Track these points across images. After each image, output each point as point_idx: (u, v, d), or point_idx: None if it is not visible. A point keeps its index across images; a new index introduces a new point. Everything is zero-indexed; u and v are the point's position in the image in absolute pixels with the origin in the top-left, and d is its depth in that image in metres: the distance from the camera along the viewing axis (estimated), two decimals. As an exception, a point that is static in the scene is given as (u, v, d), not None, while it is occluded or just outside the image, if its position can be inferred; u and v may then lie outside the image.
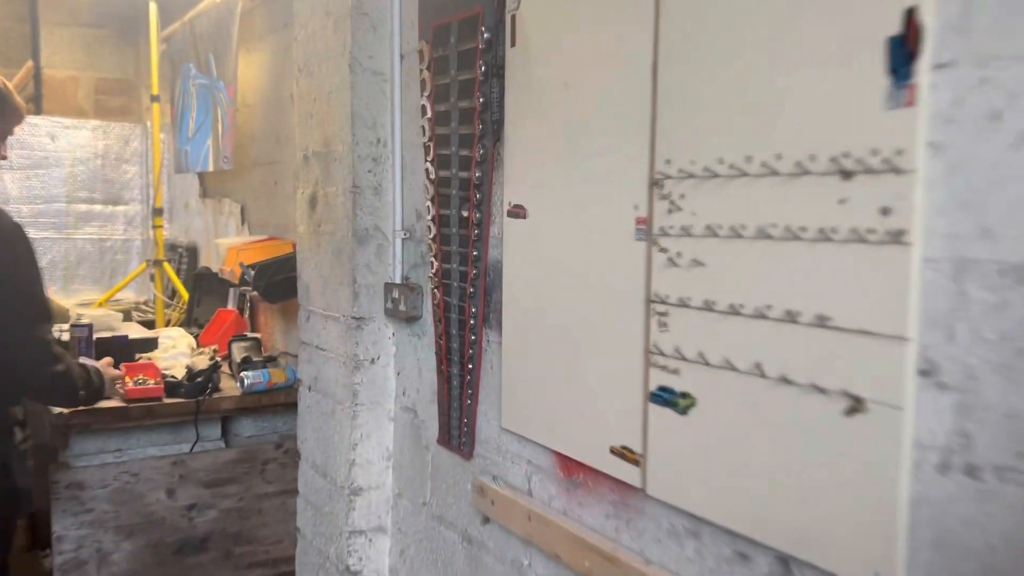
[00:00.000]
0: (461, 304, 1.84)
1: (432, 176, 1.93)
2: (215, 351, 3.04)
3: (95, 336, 2.62)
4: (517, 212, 1.60)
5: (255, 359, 2.60)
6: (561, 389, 1.48)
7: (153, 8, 3.64)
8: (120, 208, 4.56)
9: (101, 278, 4.56)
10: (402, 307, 2.07)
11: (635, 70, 1.28)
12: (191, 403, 2.40)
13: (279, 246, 2.82)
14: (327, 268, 2.32)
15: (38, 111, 4.38)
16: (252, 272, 2.55)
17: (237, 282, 2.71)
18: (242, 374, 2.48)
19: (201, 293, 3.50)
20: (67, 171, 4.38)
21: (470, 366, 1.83)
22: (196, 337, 3.14)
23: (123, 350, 2.80)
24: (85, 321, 2.48)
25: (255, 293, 2.53)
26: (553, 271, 1.49)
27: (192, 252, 4.10)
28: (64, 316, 3.06)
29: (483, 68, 1.68)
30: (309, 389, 2.48)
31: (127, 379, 2.40)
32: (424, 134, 1.97)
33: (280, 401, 2.55)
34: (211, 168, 3.37)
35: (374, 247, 2.16)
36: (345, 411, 2.22)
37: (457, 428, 1.90)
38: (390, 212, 2.15)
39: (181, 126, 3.78)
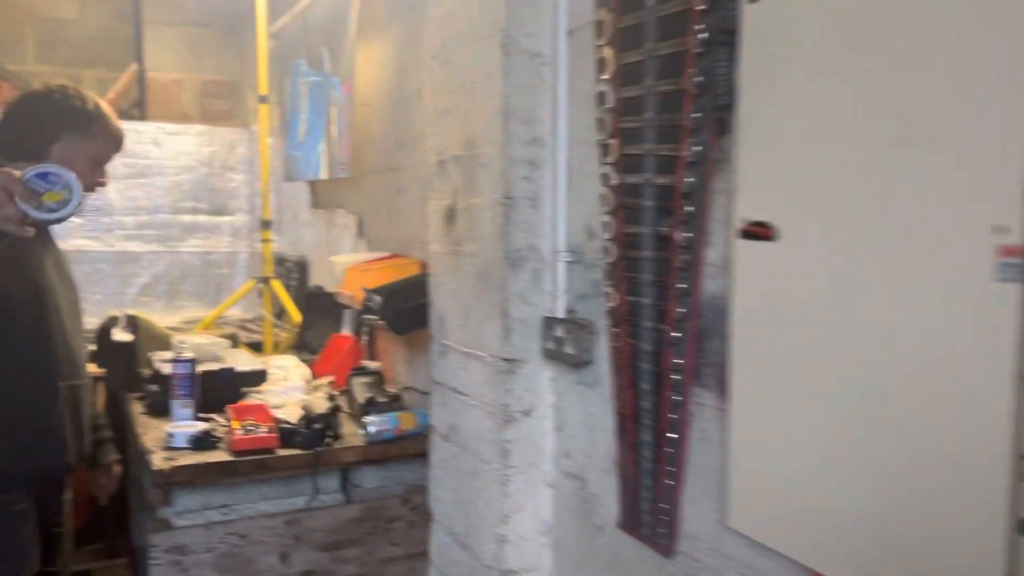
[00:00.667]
0: (657, 351, 1.43)
1: (613, 182, 1.53)
2: (331, 384, 2.71)
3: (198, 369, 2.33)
4: (759, 232, 1.16)
5: (379, 399, 2.25)
6: (835, 491, 1.04)
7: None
8: (225, 219, 4.35)
9: (205, 293, 4.35)
10: (567, 348, 1.67)
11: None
12: (308, 455, 2.06)
13: (403, 266, 2.47)
14: (469, 296, 1.94)
15: (142, 116, 4.22)
16: (378, 299, 2.21)
17: (359, 308, 2.37)
18: (367, 419, 2.13)
19: (313, 315, 3.20)
20: (171, 180, 4.20)
21: (671, 434, 1.41)
22: (309, 365, 2.82)
23: (230, 385, 2.50)
24: (187, 354, 2.19)
25: (381, 323, 2.18)
26: (827, 318, 1.06)
27: (302, 267, 3.83)
28: (164, 342, 2.79)
29: (703, 35, 1.25)
30: (444, 439, 2.11)
31: (234, 424, 2.08)
32: (601, 129, 1.56)
33: (409, 452, 2.19)
34: (324, 176, 3.07)
35: (529, 272, 1.77)
36: (493, 474, 1.84)
37: (649, 513, 1.48)
38: (550, 229, 1.75)
39: (290, 129, 3.50)
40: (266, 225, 3.42)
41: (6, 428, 1.75)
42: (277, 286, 3.37)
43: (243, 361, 2.67)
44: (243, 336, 3.80)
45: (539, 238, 1.77)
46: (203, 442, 2.06)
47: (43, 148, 1.85)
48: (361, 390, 2.33)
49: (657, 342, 1.43)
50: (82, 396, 1.90)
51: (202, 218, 4.30)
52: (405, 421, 2.17)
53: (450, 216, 2.04)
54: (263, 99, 3.40)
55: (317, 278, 3.65)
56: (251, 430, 2.09)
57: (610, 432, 1.59)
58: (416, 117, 2.50)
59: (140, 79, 4.19)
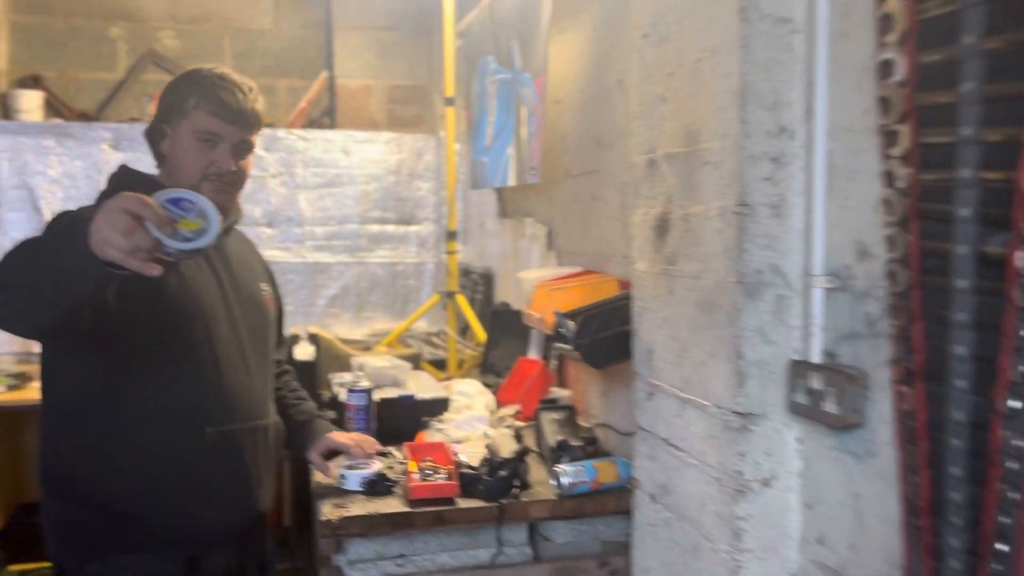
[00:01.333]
0: (978, 423, 1.00)
1: (903, 182, 1.11)
2: (516, 414, 2.43)
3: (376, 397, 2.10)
4: None
5: (572, 443, 1.92)
6: None
7: (449, -2, 3.16)
8: (413, 228, 4.21)
9: (392, 305, 4.23)
10: (826, 405, 1.26)
11: None
12: (492, 508, 1.76)
13: (599, 285, 2.14)
14: (685, 328, 1.58)
15: (332, 124, 4.15)
16: (572, 325, 1.88)
17: (549, 333, 2.06)
18: (559, 468, 1.81)
19: (498, 333, 2.93)
20: (360, 189, 4.10)
21: (1001, 546, 0.97)
22: (494, 391, 2.55)
23: (409, 415, 2.27)
24: (364, 382, 1.96)
25: (575, 353, 1.85)
26: None
27: (487, 280, 3.59)
28: (345, 361, 2.61)
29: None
30: (653, 499, 1.74)
31: (411, 464, 1.83)
32: (885, 111, 1.15)
33: (609, 508, 1.85)
34: (512, 182, 2.80)
35: (771, 301, 1.38)
36: (719, 556, 1.46)
37: (963, 651, 1.04)
38: (801, 244, 1.36)
39: (477, 133, 3.27)
40: (452, 236, 3.20)
41: (146, 482, 1.53)
42: (462, 301, 3.14)
43: (424, 387, 2.44)
44: (427, 352, 3.61)
45: (785, 257, 1.37)
46: (377, 486, 1.82)
47: (156, 151, 1.65)
48: (552, 429, 2.01)
49: (978, 411, 1.00)
50: (247, 443, 1.63)
51: (390, 228, 4.18)
52: (604, 472, 1.83)
53: (661, 228, 1.68)
54: (449, 102, 3.19)
55: (503, 293, 3.39)
56: (429, 475, 1.83)
57: (892, 524, 1.17)
58: (618, 112, 2.16)
59: (330, 87, 4.13)
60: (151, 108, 4.14)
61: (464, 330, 3.31)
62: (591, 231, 2.41)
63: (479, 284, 3.59)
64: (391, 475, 1.87)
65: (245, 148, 1.64)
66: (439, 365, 3.21)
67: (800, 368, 1.33)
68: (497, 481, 1.80)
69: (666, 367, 1.67)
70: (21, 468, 3.52)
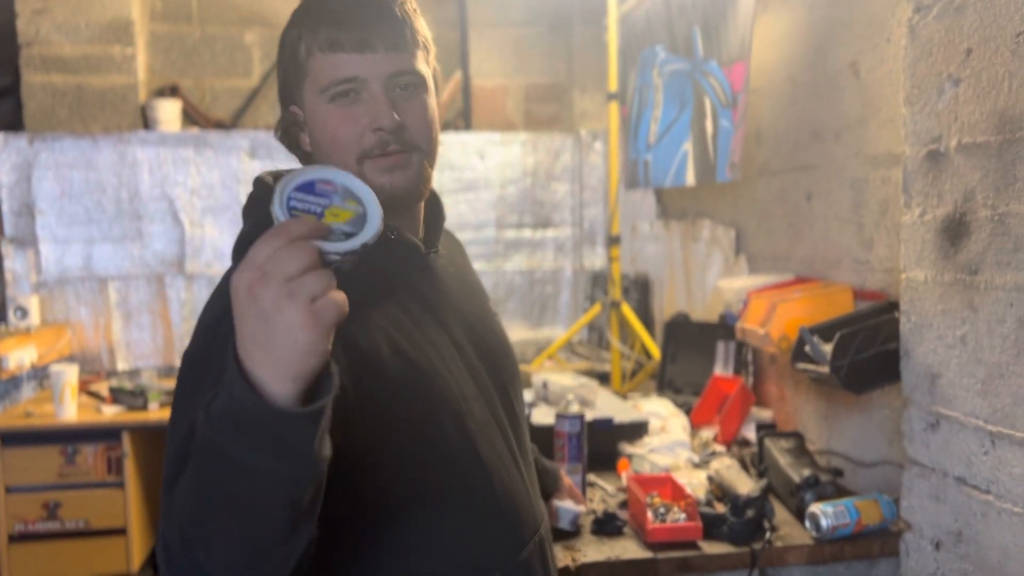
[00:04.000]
0: None
1: None
2: (715, 438, 2.21)
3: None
4: None
5: (821, 478, 1.69)
6: None
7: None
8: (549, 233, 4.02)
9: (530, 313, 4.06)
10: None
11: None
12: (743, 555, 1.55)
13: (832, 295, 1.90)
14: (1000, 350, 1.34)
15: (467, 126, 4.00)
16: (819, 341, 1.65)
17: (783, 353, 1.83)
18: (817, 509, 1.59)
19: (675, 346, 2.72)
20: (497, 193, 3.94)
21: None
22: (686, 412, 2.34)
23: (606, 440, 2.08)
24: (575, 407, 1.78)
25: (826, 375, 1.62)
26: None
27: (642, 286, 3.38)
28: (524, 379, 2.43)
29: None
30: (938, 547, 1.51)
31: (646, 500, 1.63)
32: None
33: (873, 553, 1.61)
34: (690, 181, 2.58)
35: None
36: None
37: None
38: None
39: (637, 130, 3.06)
40: (614, 241, 3.00)
41: None
42: (628, 312, 2.94)
43: (615, 408, 2.24)
44: (575, 363, 3.42)
45: None
46: (607, 526, 1.63)
47: (300, 154, 1.11)
48: (787, 460, 1.79)
49: None
50: (536, 566, 1.09)
51: (526, 233, 4.01)
52: (867, 513, 1.60)
53: (953, 231, 1.44)
54: (612, 96, 2.99)
55: (668, 301, 3.17)
56: (663, 514, 1.63)
57: None
58: (849, 100, 1.92)
59: (464, 87, 3.99)
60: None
61: (622, 342, 3.11)
62: (803, 234, 2.17)
63: (632, 292, 3.37)
64: (619, 516, 1.68)
65: (408, 84, 1.03)
66: (600, 379, 3.01)
67: None
68: (744, 523, 1.59)
69: (962, 395, 1.43)
70: (169, 485, 3.47)
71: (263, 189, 1.04)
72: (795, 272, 2.21)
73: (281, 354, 0.68)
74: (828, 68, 2.00)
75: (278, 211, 0.76)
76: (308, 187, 0.77)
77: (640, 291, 3.39)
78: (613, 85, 2.97)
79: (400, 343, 1.00)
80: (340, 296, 0.72)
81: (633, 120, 3.11)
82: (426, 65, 1.07)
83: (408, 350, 1.00)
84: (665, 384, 2.70)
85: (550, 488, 1.56)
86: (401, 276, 1.07)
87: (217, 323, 0.90)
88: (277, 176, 1.08)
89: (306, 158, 1.09)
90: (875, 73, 1.82)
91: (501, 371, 1.14)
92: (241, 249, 0.97)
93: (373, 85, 1.01)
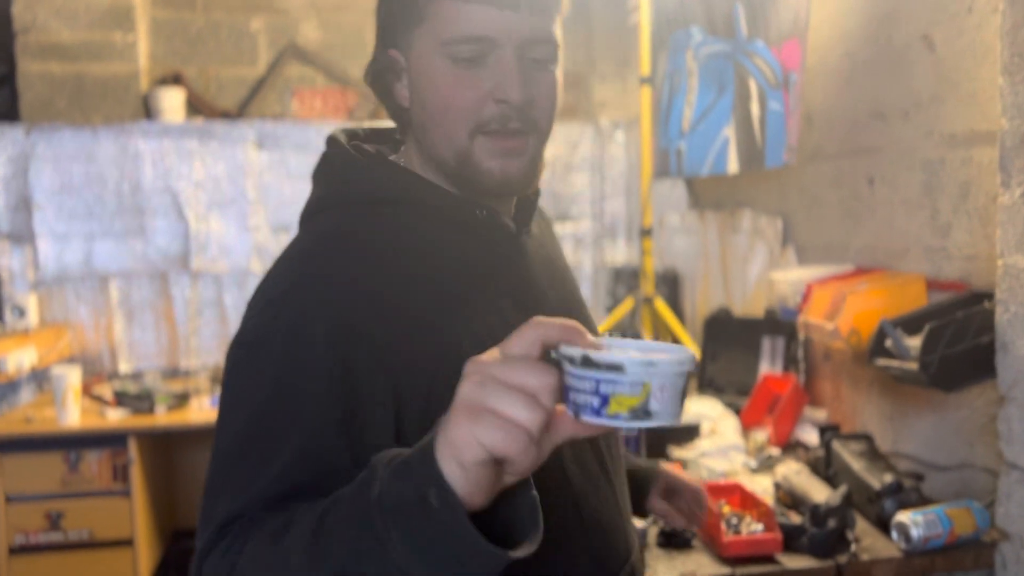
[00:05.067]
0: None
1: None
2: (768, 440, 2.09)
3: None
4: None
5: (905, 483, 1.56)
6: None
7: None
8: (568, 227, 3.89)
9: (549, 311, 3.92)
10: None
11: None
12: (827, 568, 1.42)
13: (904, 286, 1.78)
14: None
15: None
16: (907, 337, 1.53)
17: (860, 350, 1.71)
18: (905, 519, 1.46)
19: (715, 344, 2.59)
20: (514, 186, 3.80)
21: None
22: (736, 413, 2.21)
23: (653, 445, 1.95)
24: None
25: (914, 373, 1.50)
26: None
27: (671, 281, 3.25)
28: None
29: None
30: (1045, 559, 1.38)
31: (717, 509, 1.50)
32: None
33: (965, 566, 1.49)
34: (733, 169, 2.45)
35: None
36: None
37: None
38: None
39: (668, 117, 2.93)
40: (647, 233, 2.87)
41: None
42: (662, 307, 2.81)
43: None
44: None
45: None
46: (675, 540, 1.50)
47: (392, 106, 0.94)
48: (862, 464, 1.66)
49: None
50: None
51: (544, 227, 3.88)
52: (960, 522, 1.47)
53: (1065, 212, 1.31)
54: (645, 80, 2.86)
55: (702, 296, 3.05)
56: (736, 525, 1.50)
57: None
58: (921, 76, 1.79)
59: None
60: (294, 105, 3.99)
61: (655, 339, 2.98)
62: (862, 221, 2.04)
63: (660, 286, 3.25)
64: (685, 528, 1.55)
65: (543, 55, 0.87)
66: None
67: None
68: (826, 534, 1.46)
69: (1077, 392, 1.31)
70: (179, 494, 3.34)
71: (337, 150, 0.92)
72: (853, 263, 2.08)
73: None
74: (895, 42, 1.87)
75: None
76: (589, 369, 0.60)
77: (669, 286, 3.26)
78: (645, 69, 2.84)
79: (487, 345, 0.82)
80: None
81: (664, 107, 2.98)
82: (559, 27, 0.90)
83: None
84: (706, 383, 2.58)
85: (645, 489, 1.22)
86: (491, 264, 0.91)
87: (283, 299, 0.80)
88: (352, 135, 0.96)
89: (399, 113, 0.93)
90: (953, 46, 1.70)
91: None
92: (309, 214, 0.92)
93: (505, 49, 0.84)
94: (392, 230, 0.87)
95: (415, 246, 0.86)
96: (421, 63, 0.87)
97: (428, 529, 0.60)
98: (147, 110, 3.52)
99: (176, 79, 3.61)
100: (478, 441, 0.58)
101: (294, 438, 0.74)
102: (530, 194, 0.97)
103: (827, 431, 1.85)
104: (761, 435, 2.12)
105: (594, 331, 1.01)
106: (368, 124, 3.59)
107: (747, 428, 2.19)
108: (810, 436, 2.08)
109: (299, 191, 3.53)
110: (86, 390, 3.05)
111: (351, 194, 0.89)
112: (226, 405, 0.80)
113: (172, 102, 3.50)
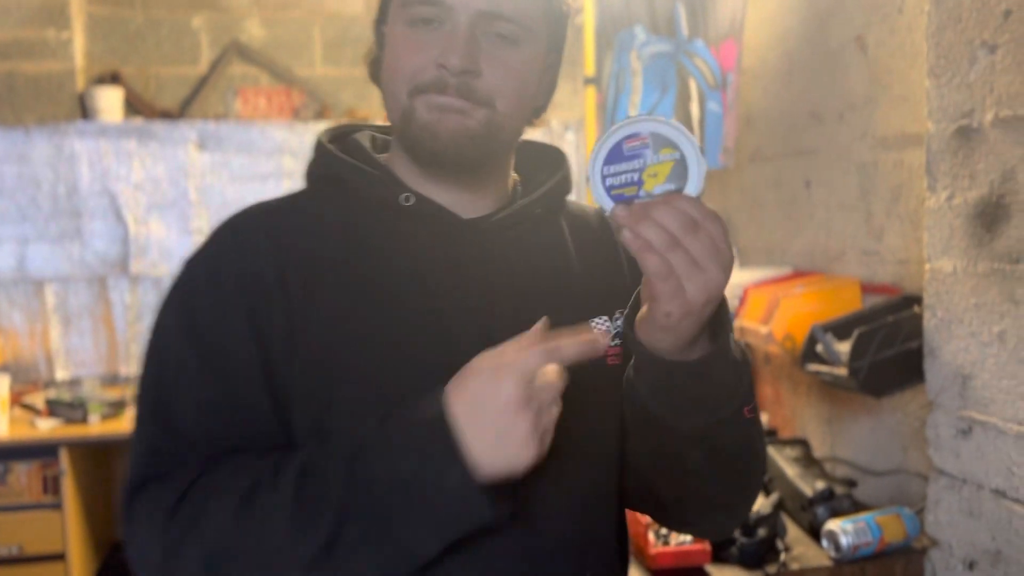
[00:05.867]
0: None
1: None
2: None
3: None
4: None
5: (837, 490, 1.55)
6: None
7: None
8: (520, 228, 3.85)
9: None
10: None
11: None
12: (755, 578, 1.40)
13: (839, 289, 1.77)
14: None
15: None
16: (833, 340, 1.51)
17: (794, 355, 1.68)
18: (835, 527, 1.44)
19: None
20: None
21: None
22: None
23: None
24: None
25: (843, 378, 1.48)
26: None
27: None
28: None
29: None
30: (970, 567, 1.37)
31: (650, 525, 1.47)
32: None
33: (895, 574, 1.47)
34: (675, 170, 2.42)
35: None
36: None
37: None
38: None
39: (613, 117, 2.91)
40: (592, 235, 2.84)
41: None
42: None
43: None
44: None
45: None
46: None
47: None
48: (795, 471, 1.64)
49: None
50: None
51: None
52: (890, 529, 1.46)
53: (989, 215, 1.30)
54: (589, 81, 2.83)
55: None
56: (665, 535, 1.47)
57: None
58: (855, 78, 1.78)
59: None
60: (237, 104, 3.90)
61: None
62: (801, 224, 2.03)
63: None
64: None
65: (506, 32, 0.84)
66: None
67: None
68: (756, 544, 1.44)
69: (1001, 398, 1.30)
70: (117, 504, 3.24)
71: (324, 155, 0.91)
72: (792, 265, 2.07)
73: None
74: (830, 43, 1.86)
75: (604, 200, 0.72)
76: (617, 155, 0.71)
77: (617, 288, 3.23)
78: (590, 68, 2.82)
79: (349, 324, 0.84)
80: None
81: (610, 107, 2.95)
82: (552, 22, 0.88)
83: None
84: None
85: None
86: (410, 250, 0.86)
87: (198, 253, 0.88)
88: (338, 135, 0.94)
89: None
90: (885, 47, 1.69)
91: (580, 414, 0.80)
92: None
93: (458, 17, 0.83)
94: (311, 207, 0.89)
95: (326, 224, 0.87)
96: (389, 31, 0.88)
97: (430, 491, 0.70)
98: (83, 110, 3.42)
99: (114, 78, 3.51)
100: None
101: (214, 377, 0.81)
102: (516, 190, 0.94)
103: (769, 440, 1.83)
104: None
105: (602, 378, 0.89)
106: (314, 125, 3.55)
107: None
108: (750, 441, 2.06)
109: (242, 193, 3.45)
110: (17, 399, 2.95)
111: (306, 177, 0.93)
112: (151, 346, 0.85)
113: (110, 102, 3.40)
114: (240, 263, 0.84)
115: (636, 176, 0.70)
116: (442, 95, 0.83)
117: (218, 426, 0.80)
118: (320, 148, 0.92)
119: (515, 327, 0.77)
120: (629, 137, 0.70)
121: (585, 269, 0.92)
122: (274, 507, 0.73)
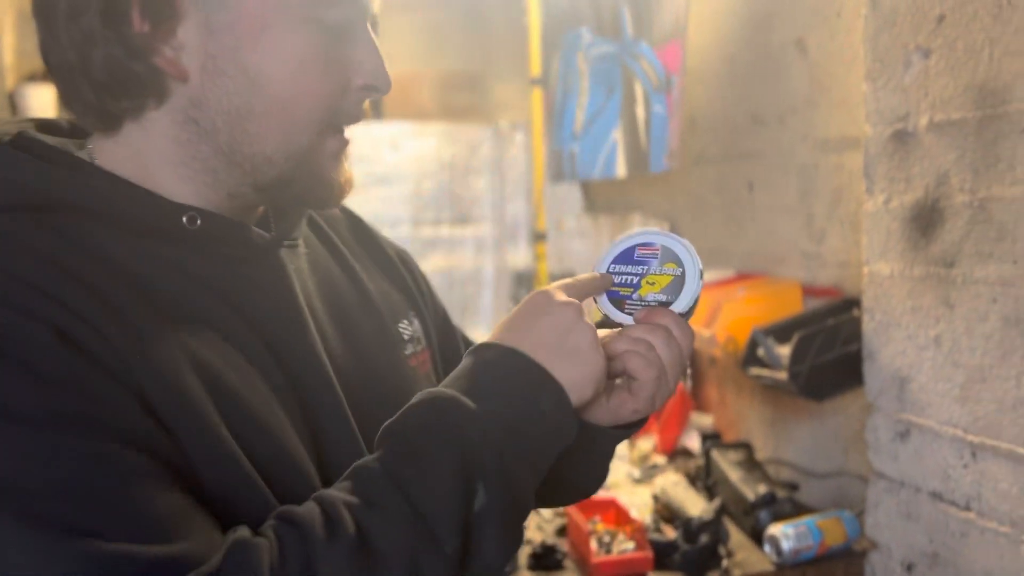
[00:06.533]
0: None
1: None
2: (654, 449, 2.06)
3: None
4: None
5: (779, 495, 1.55)
6: None
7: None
8: (469, 230, 3.83)
9: (452, 317, 3.85)
10: None
11: None
12: (697, 585, 1.39)
13: (780, 292, 1.77)
14: (982, 352, 1.21)
15: (378, 116, 3.77)
16: (774, 344, 1.51)
17: (736, 358, 1.68)
18: (776, 531, 1.44)
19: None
20: (412, 188, 3.73)
21: None
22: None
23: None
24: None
25: (784, 382, 1.48)
26: None
27: (569, 285, 3.21)
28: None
29: None
30: (909, 569, 1.38)
31: (588, 527, 1.46)
32: None
33: (836, 577, 1.48)
34: (621, 172, 2.43)
35: None
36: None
37: None
38: None
39: (561, 119, 2.89)
40: (540, 237, 2.84)
41: None
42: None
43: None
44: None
45: None
46: (545, 560, 1.45)
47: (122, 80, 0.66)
48: (739, 475, 1.64)
49: None
50: None
51: (444, 230, 3.80)
52: (831, 533, 1.46)
53: (924, 219, 1.31)
54: (535, 82, 2.82)
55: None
56: (606, 543, 1.45)
57: None
58: (795, 81, 1.79)
59: (375, 75, 3.75)
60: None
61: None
62: (744, 227, 2.04)
63: (558, 291, 3.21)
64: (559, 548, 1.49)
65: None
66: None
67: None
68: (698, 550, 1.43)
69: (937, 401, 1.30)
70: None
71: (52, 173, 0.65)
72: (736, 268, 2.07)
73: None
74: (771, 46, 1.87)
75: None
76: (627, 257, 0.77)
77: (566, 290, 3.22)
78: (536, 69, 2.80)
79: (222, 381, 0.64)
80: None
81: (557, 108, 2.94)
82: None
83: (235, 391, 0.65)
84: (597, 390, 2.54)
85: None
86: (221, 282, 0.69)
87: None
88: (46, 126, 0.74)
89: (151, 86, 0.68)
90: (825, 50, 1.69)
91: (382, 411, 0.70)
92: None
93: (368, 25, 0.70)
94: (69, 240, 0.63)
95: (93, 259, 0.63)
96: (249, 26, 0.65)
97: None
98: (13, 109, 3.30)
99: (46, 76, 3.40)
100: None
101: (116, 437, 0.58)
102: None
103: (708, 439, 1.84)
104: (647, 443, 2.09)
105: (398, 358, 0.83)
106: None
107: (633, 436, 2.16)
108: (696, 443, 2.06)
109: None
110: None
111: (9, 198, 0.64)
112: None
113: (41, 100, 3.30)
114: None
115: (636, 280, 0.75)
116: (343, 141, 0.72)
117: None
118: (60, 160, 0.67)
119: (373, 361, 0.80)
120: (643, 245, 0.76)
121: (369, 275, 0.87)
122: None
